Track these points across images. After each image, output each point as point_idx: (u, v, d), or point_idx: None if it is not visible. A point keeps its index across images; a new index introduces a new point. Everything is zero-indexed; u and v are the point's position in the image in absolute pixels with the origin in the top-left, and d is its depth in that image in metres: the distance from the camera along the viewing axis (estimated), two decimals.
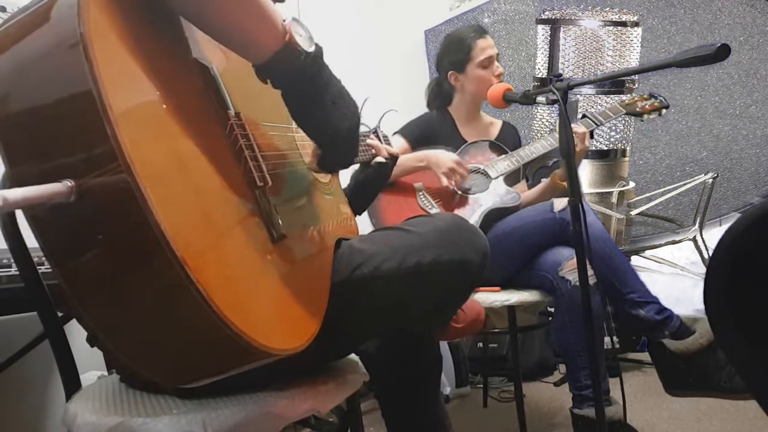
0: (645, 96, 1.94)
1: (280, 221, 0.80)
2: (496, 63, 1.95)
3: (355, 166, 1.25)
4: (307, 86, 0.80)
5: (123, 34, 0.67)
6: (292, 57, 0.77)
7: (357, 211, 1.22)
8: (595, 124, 1.87)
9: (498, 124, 2.10)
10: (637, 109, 1.90)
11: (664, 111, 1.92)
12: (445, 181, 1.79)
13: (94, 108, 0.59)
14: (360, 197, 1.25)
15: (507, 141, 2.01)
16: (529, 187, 2.03)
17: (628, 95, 2.29)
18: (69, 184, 0.62)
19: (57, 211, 0.64)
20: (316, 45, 0.80)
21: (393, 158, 1.25)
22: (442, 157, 1.81)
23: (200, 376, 0.73)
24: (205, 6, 0.73)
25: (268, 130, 0.91)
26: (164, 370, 0.72)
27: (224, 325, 0.63)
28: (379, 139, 1.26)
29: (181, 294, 0.61)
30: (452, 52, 1.99)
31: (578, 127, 1.81)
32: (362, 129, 1.25)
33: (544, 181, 1.94)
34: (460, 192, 1.85)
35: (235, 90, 0.83)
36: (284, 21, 0.77)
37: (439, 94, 2.06)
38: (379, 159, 1.22)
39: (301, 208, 0.95)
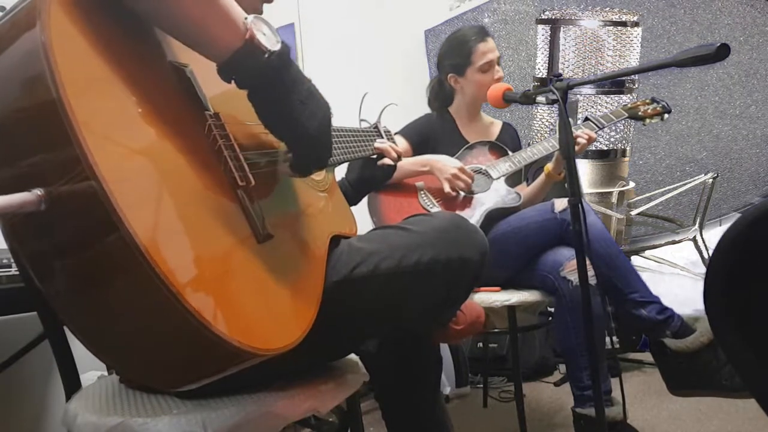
0: (647, 100, 1.94)
1: (265, 221, 0.79)
2: (497, 67, 1.95)
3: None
4: (272, 85, 0.78)
5: (88, 39, 0.66)
6: (254, 55, 0.75)
7: (353, 203, 1.24)
8: (598, 126, 1.87)
9: (498, 125, 2.10)
10: (639, 113, 1.90)
11: (666, 116, 1.92)
12: (447, 187, 1.79)
13: (57, 114, 0.59)
14: (362, 193, 1.30)
15: (507, 142, 2.02)
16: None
17: (628, 95, 2.30)
18: (39, 192, 0.61)
19: (32, 220, 0.64)
20: (282, 43, 0.78)
21: (399, 157, 1.26)
22: (446, 162, 1.81)
23: (186, 380, 0.72)
24: (161, 3, 0.72)
25: (253, 130, 0.90)
26: (146, 373, 0.71)
27: (202, 326, 0.62)
28: (381, 135, 1.26)
29: (154, 297, 0.61)
30: (453, 54, 1.98)
31: (588, 130, 1.82)
32: (363, 125, 1.26)
33: (540, 177, 1.94)
34: (462, 194, 1.85)
35: (216, 91, 0.82)
36: (246, 19, 0.75)
37: (440, 94, 2.06)
38: (388, 161, 1.23)
39: (289, 207, 0.94)
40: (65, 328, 0.98)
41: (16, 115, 0.65)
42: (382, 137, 1.26)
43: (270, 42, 0.76)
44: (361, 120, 1.27)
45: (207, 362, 0.68)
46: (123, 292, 0.64)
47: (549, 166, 1.87)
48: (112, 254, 0.61)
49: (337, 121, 0.96)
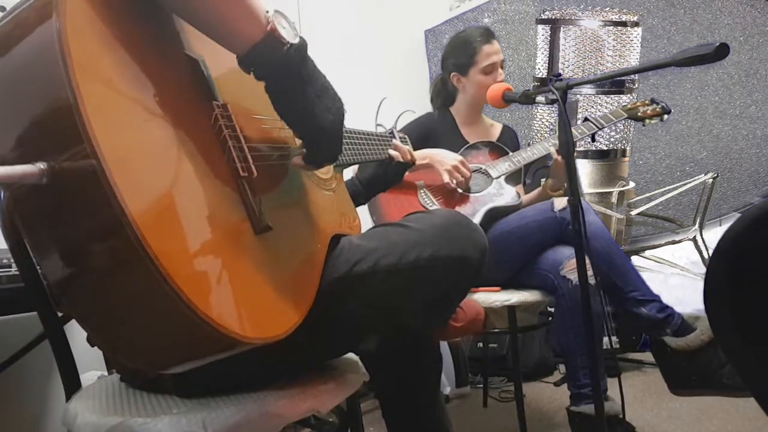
0: (647, 101, 1.94)
1: (265, 213, 0.79)
2: (500, 69, 1.95)
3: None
4: (290, 78, 0.80)
5: (103, 26, 0.67)
6: (274, 48, 0.76)
7: (362, 202, 1.25)
8: (597, 127, 1.87)
9: (498, 127, 2.11)
10: (639, 114, 1.90)
11: (666, 116, 1.92)
12: (446, 178, 1.80)
13: (65, 95, 0.60)
14: (372, 192, 1.33)
15: (506, 144, 2.02)
16: (527, 187, 2.04)
17: (628, 96, 2.30)
18: (41, 166, 0.62)
19: (34, 194, 0.65)
20: (300, 38, 0.79)
21: (413, 162, 1.29)
22: (446, 155, 1.83)
23: (173, 362, 0.72)
24: None
25: (262, 123, 0.91)
26: (134, 355, 0.72)
27: (190, 311, 0.63)
28: (396, 140, 1.29)
29: (145, 278, 0.62)
30: (457, 53, 1.99)
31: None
32: (379, 129, 1.28)
33: (540, 188, 1.95)
34: (461, 190, 1.85)
35: (228, 83, 0.83)
36: (267, 12, 0.76)
37: (443, 92, 2.08)
38: (400, 159, 1.25)
39: (293, 202, 0.94)
40: (65, 327, 0.98)
41: (25, 91, 0.66)
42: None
43: (289, 35, 0.77)
44: (378, 125, 1.29)
45: (194, 345, 0.69)
46: (117, 272, 0.64)
47: (549, 183, 1.88)
48: (108, 232, 0.62)
49: None
